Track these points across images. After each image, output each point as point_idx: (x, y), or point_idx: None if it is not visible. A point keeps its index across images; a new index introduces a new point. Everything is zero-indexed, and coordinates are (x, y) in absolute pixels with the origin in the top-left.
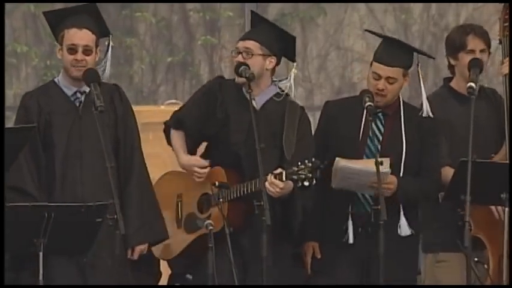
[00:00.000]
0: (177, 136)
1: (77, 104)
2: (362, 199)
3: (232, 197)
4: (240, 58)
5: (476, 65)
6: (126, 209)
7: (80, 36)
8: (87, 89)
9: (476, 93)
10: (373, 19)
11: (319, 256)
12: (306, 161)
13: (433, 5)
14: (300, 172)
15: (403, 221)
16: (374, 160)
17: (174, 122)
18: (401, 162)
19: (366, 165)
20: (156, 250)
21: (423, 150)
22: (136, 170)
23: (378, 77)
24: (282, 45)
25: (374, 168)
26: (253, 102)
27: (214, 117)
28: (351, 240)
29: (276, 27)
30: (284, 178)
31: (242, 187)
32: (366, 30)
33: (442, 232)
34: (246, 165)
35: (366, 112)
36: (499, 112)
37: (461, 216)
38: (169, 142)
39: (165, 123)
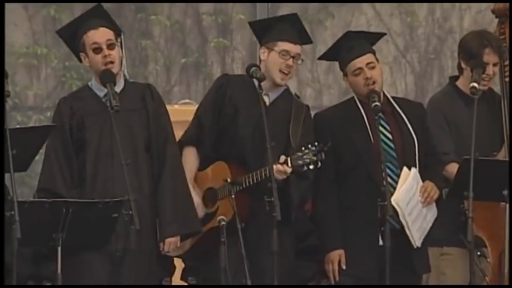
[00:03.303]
0: (188, 160)
1: (108, 105)
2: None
3: (238, 189)
4: (290, 62)
5: (479, 66)
6: (159, 202)
7: (99, 34)
8: (118, 90)
9: (479, 94)
10: (379, 22)
11: (344, 267)
12: (309, 145)
13: (438, 8)
14: (305, 157)
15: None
16: (404, 174)
17: (188, 138)
18: (415, 155)
19: (407, 181)
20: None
21: (426, 135)
22: (169, 164)
23: (360, 70)
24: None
25: (414, 178)
26: (266, 98)
27: (223, 112)
28: (381, 242)
29: (302, 24)
30: (290, 164)
31: (248, 178)
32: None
33: (446, 227)
34: (250, 158)
35: (373, 111)
36: (500, 112)
37: (464, 212)
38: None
39: (179, 141)
